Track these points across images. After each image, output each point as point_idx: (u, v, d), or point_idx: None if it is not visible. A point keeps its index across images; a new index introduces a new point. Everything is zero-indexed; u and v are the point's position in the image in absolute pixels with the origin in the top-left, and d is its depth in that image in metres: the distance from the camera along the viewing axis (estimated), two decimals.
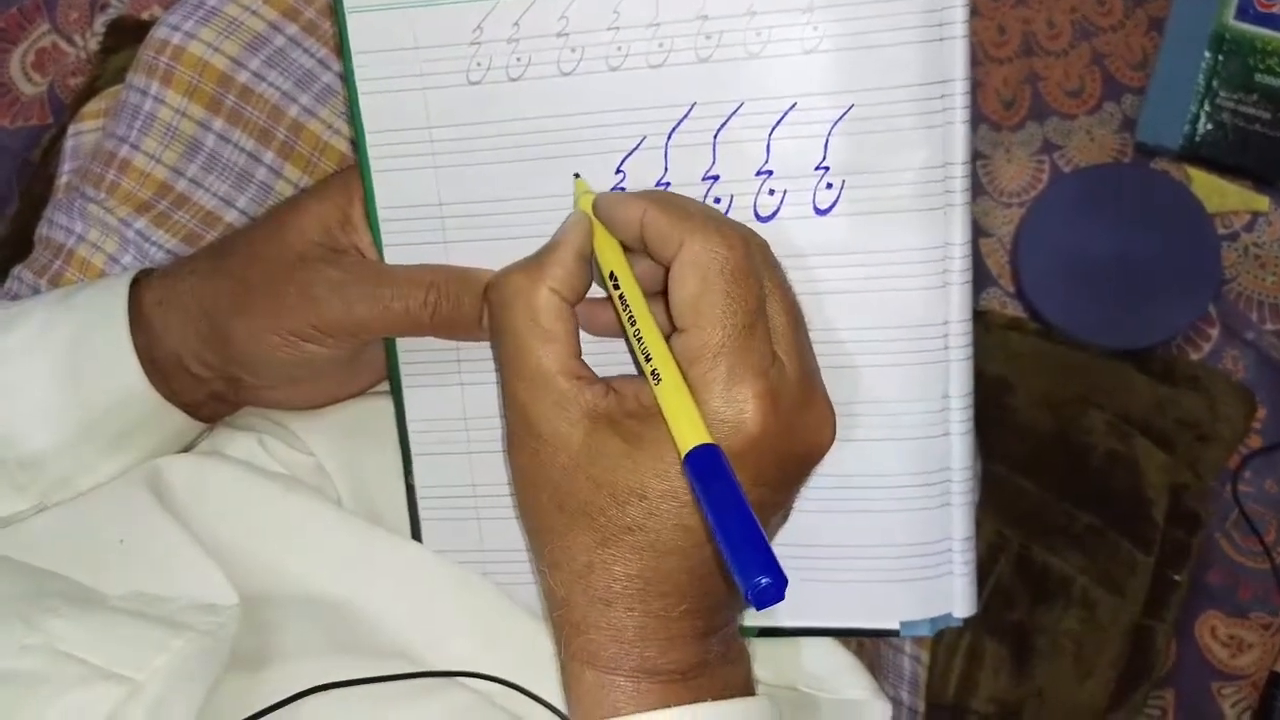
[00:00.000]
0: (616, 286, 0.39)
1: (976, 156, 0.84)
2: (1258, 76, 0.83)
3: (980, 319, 0.82)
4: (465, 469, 0.46)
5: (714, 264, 0.36)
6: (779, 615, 0.45)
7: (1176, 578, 0.73)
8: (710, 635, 0.38)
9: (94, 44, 0.82)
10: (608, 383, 0.38)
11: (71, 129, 0.65)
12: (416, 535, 0.47)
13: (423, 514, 0.46)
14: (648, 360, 0.37)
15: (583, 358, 0.39)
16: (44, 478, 0.44)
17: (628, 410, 0.37)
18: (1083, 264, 0.81)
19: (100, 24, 0.82)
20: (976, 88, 0.84)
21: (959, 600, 0.44)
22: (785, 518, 0.40)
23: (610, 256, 0.40)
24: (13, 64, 0.83)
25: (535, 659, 0.42)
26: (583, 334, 0.41)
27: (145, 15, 0.81)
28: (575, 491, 0.37)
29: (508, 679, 0.41)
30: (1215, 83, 0.84)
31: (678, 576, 0.36)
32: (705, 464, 0.34)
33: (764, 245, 0.39)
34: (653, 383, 0.36)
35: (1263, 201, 0.85)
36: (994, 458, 0.71)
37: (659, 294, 0.39)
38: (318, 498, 0.46)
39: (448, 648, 0.42)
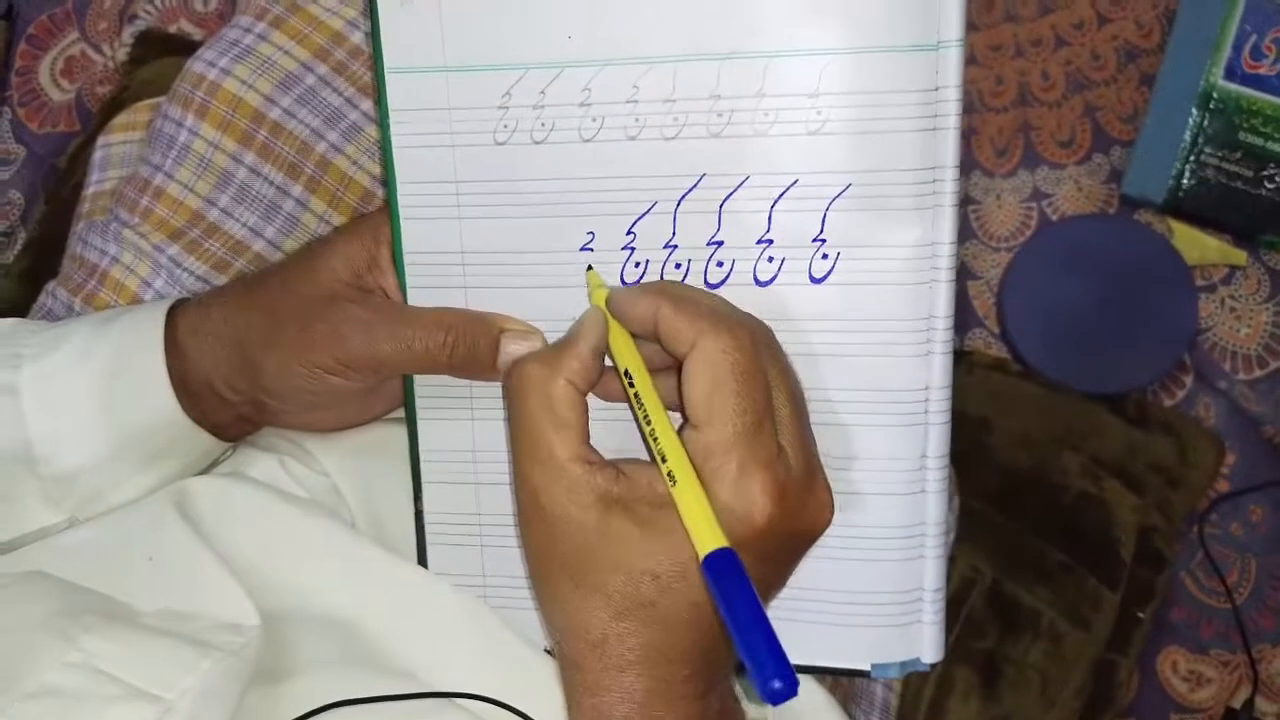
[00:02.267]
0: (631, 384, 0.41)
1: (968, 201, 0.87)
2: (1242, 135, 0.86)
3: (964, 359, 0.85)
4: (471, 499, 0.48)
5: (724, 364, 0.39)
6: None
7: (1140, 615, 0.76)
8: (710, 693, 0.41)
9: (122, 54, 0.84)
10: (617, 467, 0.40)
11: (100, 140, 0.68)
12: (422, 558, 0.49)
13: (429, 539, 0.49)
14: (664, 461, 0.39)
15: (591, 441, 0.41)
16: (77, 493, 0.46)
17: (639, 496, 0.39)
18: (1065, 309, 0.84)
19: (129, 35, 0.84)
20: (971, 135, 0.87)
21: (928, 646, 0.46)
22: (783, 584, 0.43)
23: (625, 355, 0.42)
24: (42, 70, 0.85)
25: (531, 685, 0.44)
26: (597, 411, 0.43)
27: (173, 29, 0.83)
28: (590, 570, 0.39)
29: (509, 703, 0.44)
30: (1201, 139, 0.86)
31: (686, 644, 0.39)
32: (722, 567, 0.37)
33: (769, 337, 0.42)
34: (669, 483, 0.39)
35: (1241, 256, 0.87)
36: (971, 494, 0.74)
37: (670, 369, 0.41)
38: (335, 521, 0.48)
39: (449, 670, 0.45)
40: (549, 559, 0.41)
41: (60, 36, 0.86)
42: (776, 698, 0.35)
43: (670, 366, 0.41)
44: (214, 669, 0.39)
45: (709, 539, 0.37)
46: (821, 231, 0.43)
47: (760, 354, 0.40)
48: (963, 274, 0.86)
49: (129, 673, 0.38)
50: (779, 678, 0.35)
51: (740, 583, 0.36)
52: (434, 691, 0.44)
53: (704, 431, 0.39)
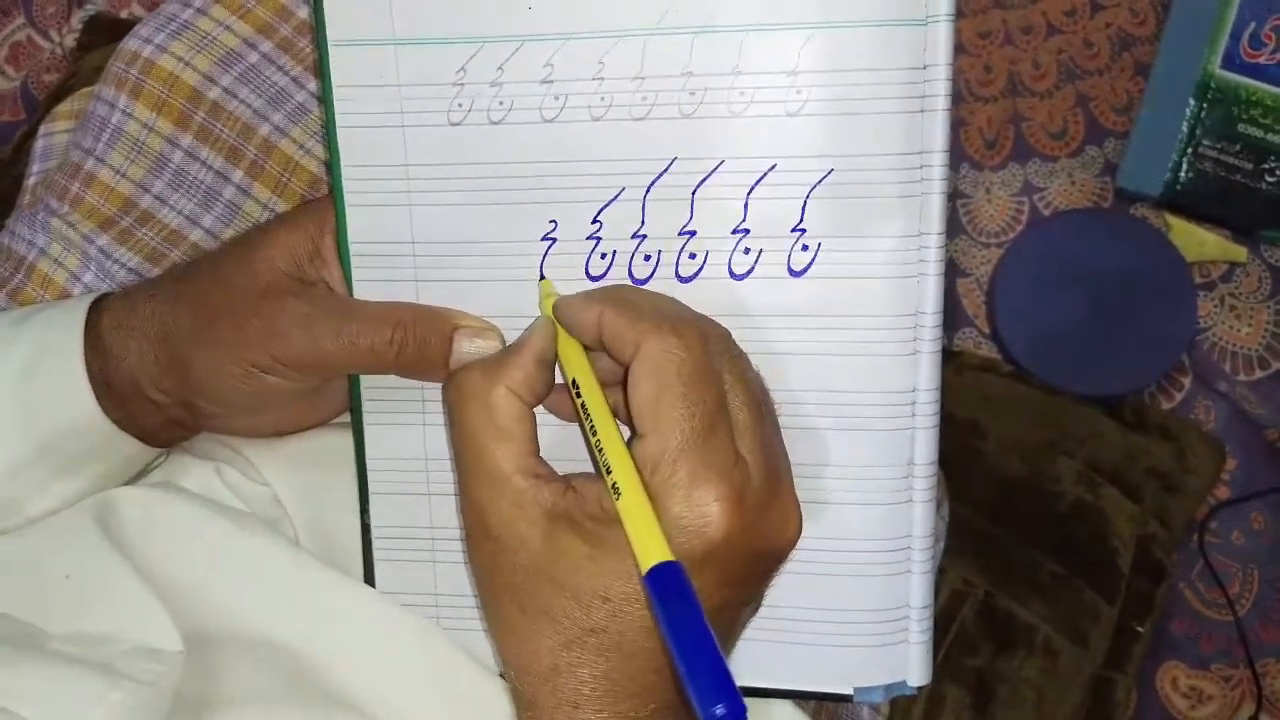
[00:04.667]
0: (579, 394, 0.39)
1: (956, 195, 0.84)
2: (1241, 126, 0.84)
3: (953, 359, 0.82)
4: (423, 511, 0.45)
5: (669, 366, 0.36)
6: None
7: (1139, 629, 0.73)
8: None
9: (70, 40, 0.81)
10: (567, 481, 0.37)
11: (43, 129, 0.64)
12: (369, 574, 0.46)
13: (377, 554, 0.46)
14: (609, 472, 0.36)
15: (541, 455, 0.38)
16: None
17: (588, 512, 0.36)
18: (1058, 308, 0.81)
19: (78, 20, 0.81)
20: (959, 126, 0.84)
21: (914, 668, 0.44)
22: (756, 608, 0.40)
23: (573, 363, 0.40)
24: None
25: (487, 716, 0.41)
26: (550, 419, 0.41)
27: (124, 14, 0.80)
28: (537, 593, 0.36)
29: None
30: (1199, 131, 0.84)
31: (646, 676, 0.36)
32: (665, 583, 0.34)
33: (724, 337, 0.39)
34: (613, 496, 0.36)
35: (1241, 252, 0.85)
36: (962, 503, 0.71)
37: (622, 384, 0.38)
38: (273, 537, 0.45)
39: (397, 701, 0.42)
40: (497, 585, 0.38)
41: (5, 22, 0.82)
42: None
43: (624, 383, 0.38)
44: (125, 701, 0.36)
45: (653, 552, 0.34)
46: (801, 220, 0.41)
47: (711, 355, 0.37)
48: (951, 271, 0.84)
49: (28, 706, 0.35)
50: (723, 703, 0.31)
51: (684, 599, 0.33)
52: None
53: (650, 440, 0.36)
